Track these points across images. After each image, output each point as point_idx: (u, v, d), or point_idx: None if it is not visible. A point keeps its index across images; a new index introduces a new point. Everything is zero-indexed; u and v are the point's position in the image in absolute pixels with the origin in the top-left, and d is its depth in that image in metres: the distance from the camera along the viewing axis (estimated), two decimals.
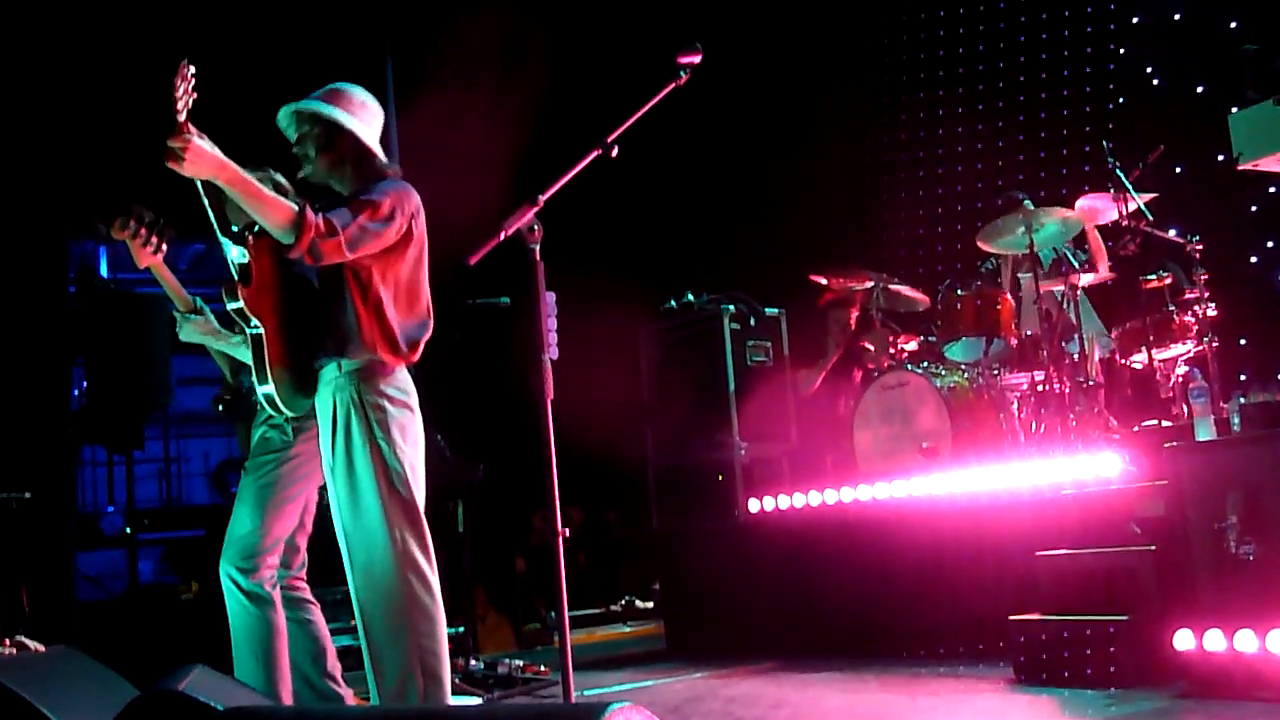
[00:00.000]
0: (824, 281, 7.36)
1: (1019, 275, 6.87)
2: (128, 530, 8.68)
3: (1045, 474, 5.61)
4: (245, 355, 3.91)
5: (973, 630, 5.64)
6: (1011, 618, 5.04)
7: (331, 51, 7.84)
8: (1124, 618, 4.66)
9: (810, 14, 9.17)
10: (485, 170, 7.36)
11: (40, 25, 8.04)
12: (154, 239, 4.07)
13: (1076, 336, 6.41)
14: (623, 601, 9.76)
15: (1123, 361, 6.59)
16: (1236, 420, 4.83)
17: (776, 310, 7.61)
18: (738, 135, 9.06)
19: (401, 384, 3.84)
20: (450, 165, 7.38)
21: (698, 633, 7.10)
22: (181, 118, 3.34)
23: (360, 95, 3.95)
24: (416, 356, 3.86)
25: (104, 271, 10.10)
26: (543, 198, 3.39)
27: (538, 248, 3.38)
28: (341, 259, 3.67)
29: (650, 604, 9.48)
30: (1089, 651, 4.68)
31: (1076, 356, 6.47)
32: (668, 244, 9.04)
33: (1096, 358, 6.48)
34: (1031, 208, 6.43)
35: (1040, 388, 6.41)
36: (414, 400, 3.85)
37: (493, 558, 8.88)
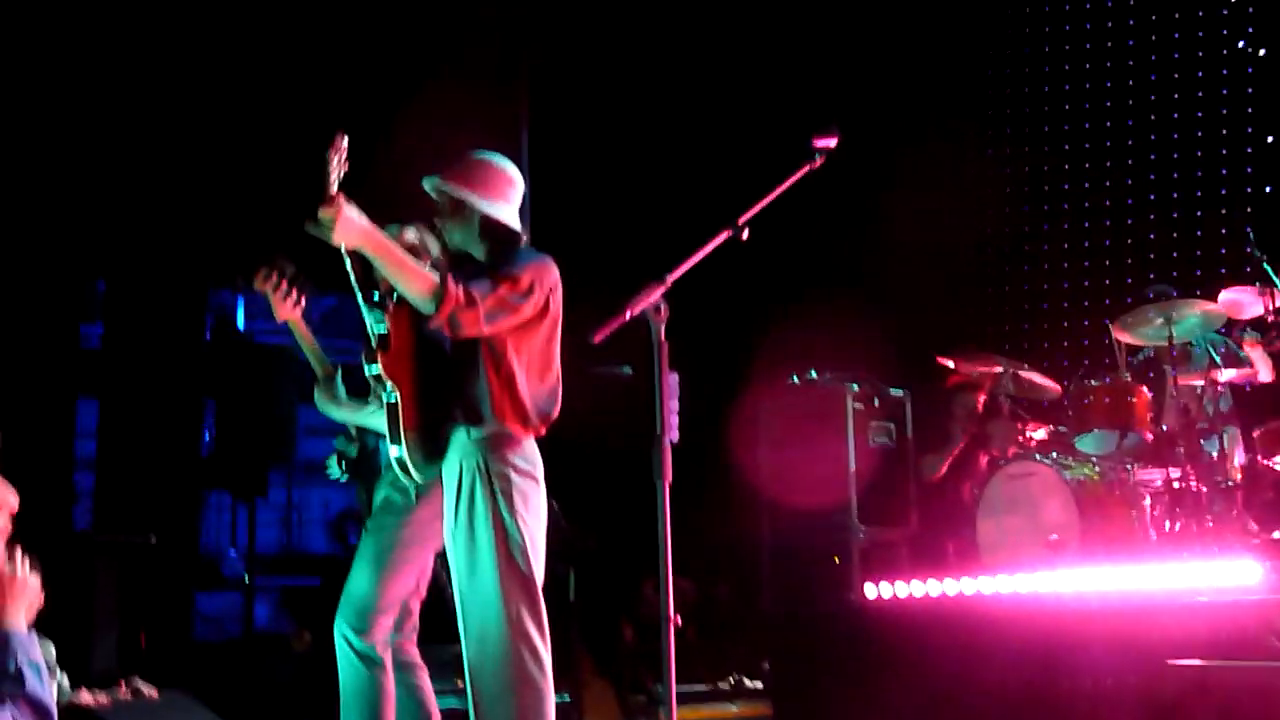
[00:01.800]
0: (951, 365, 7.21)
1: (1163, 367, 6.66)
2: (246, 575, 8.84)
3: (1180, 577, 5.38)
4: (376, 423, 3.95)
5: None
6: None
7: (472, 116, 8.00)
8: None
9: (943, 89, 9.11)
10: (614, 241, 7.42)
11: (190, 77, 8.34)
12: (294, 292, 4.16)
13: (1216, 435, 6.18)
14: (731, 679, 9.59)
15: (1265, 463, 6.32)
16: None
17: (901, 391, 7.47)
18: (866, 211, 8.98)
19: (529, 455, 3.85)
20: (580, 234, 7.44)
21: (808, 718, 6.93)
22: (334, 189, 3.41)
23: (494, 164, 4.00)
24: (545, 429, 3.87)
25: (240, 323, 10.38)
26: (671, 277, 3.37)
27: (663, 327, 3.36)
28: (479, 333, 3.71)
29: (759, 684, 9.29)
30: None
31: (1215, 455, 6.23)
32: (794, 321, 8.96)
33: (1237, 460, 6.23)
34: (1174, 298, 6.25)
35: (1175, 485, 6.18)
36: (540, 472, 3.86)
37: (601, 626, 8.82)
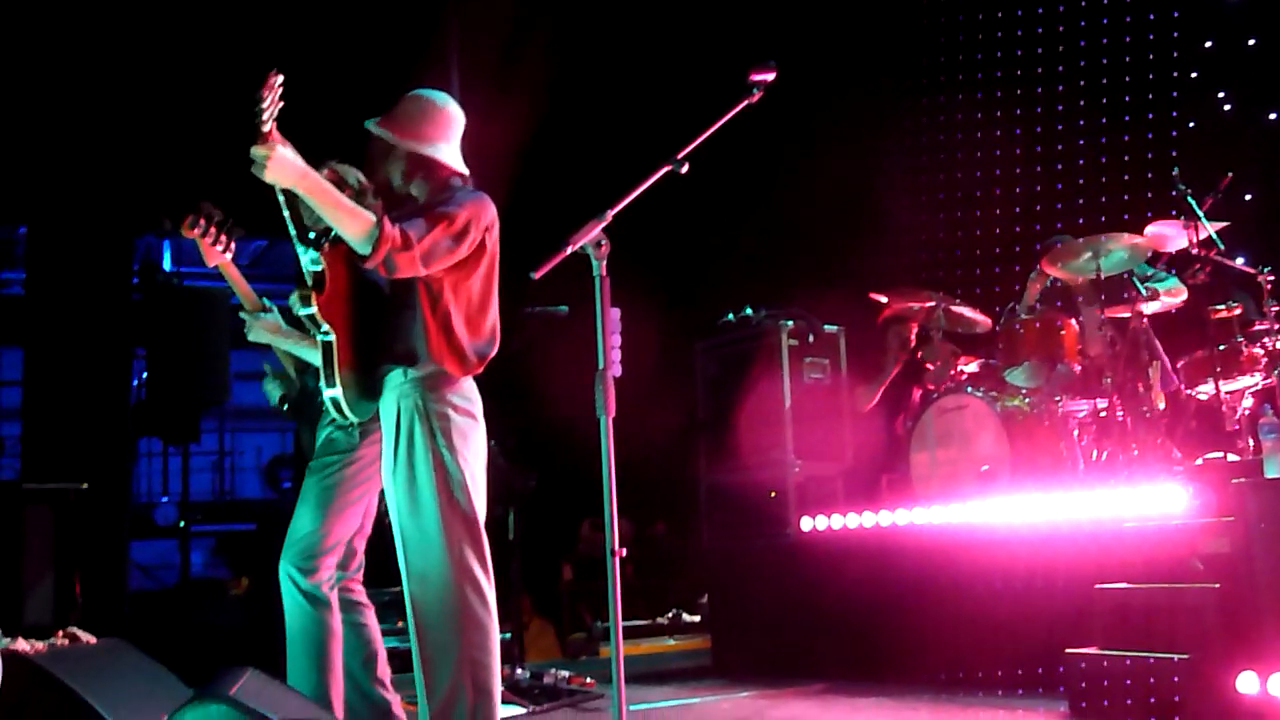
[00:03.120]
0: (884, 299, 7.28)
1: (1084, 301, 6.76)
2: (181, 523, 8.76)
3: (1107, 504, 5.51)
4: (312, 356, 3.92)
5: (1028, 661, 5.55)
6: (1069, 650, 4.95)
7: (402, 53, 7.89)
8: (1185, 656, 4.55)
9: (875, 36, 9.13)
10: (552, 179, 7.37)
11: (112, 21, 8.14)
12: (223, 238, 4.11)
13: (1141, 366, 6.30)
14: (669, 614, 9.72)
15: (1188, 392, 6.46)
16: None
17: (835, 327, 7.54)
18: (801, 150, 9.00)
19: (467, 393, 3.84)
20: (517, 172, 7.38)
21: (745, 650, 7.04)
22: (267, 127, 3.35)
23: (432, 104, 3.95)
24: (483, 368, 3.86)
25: (167, 266, 10.22)
26: (610, 213, 3.37)
27: (604, 264, 3.36)
28: (416, 273, 3.68)
29: (697, 618, 9.43)
30: (1149, 688, 4.58)
31: (1141, 386, 6.36)
32: (727, 258, 8.99)
33: (1160, 388, 6.36)
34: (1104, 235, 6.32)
35: (1103, 415, 6.30)
36: (478, 410, 3.85)
37: (541, 565, 8.87)
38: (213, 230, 4.08)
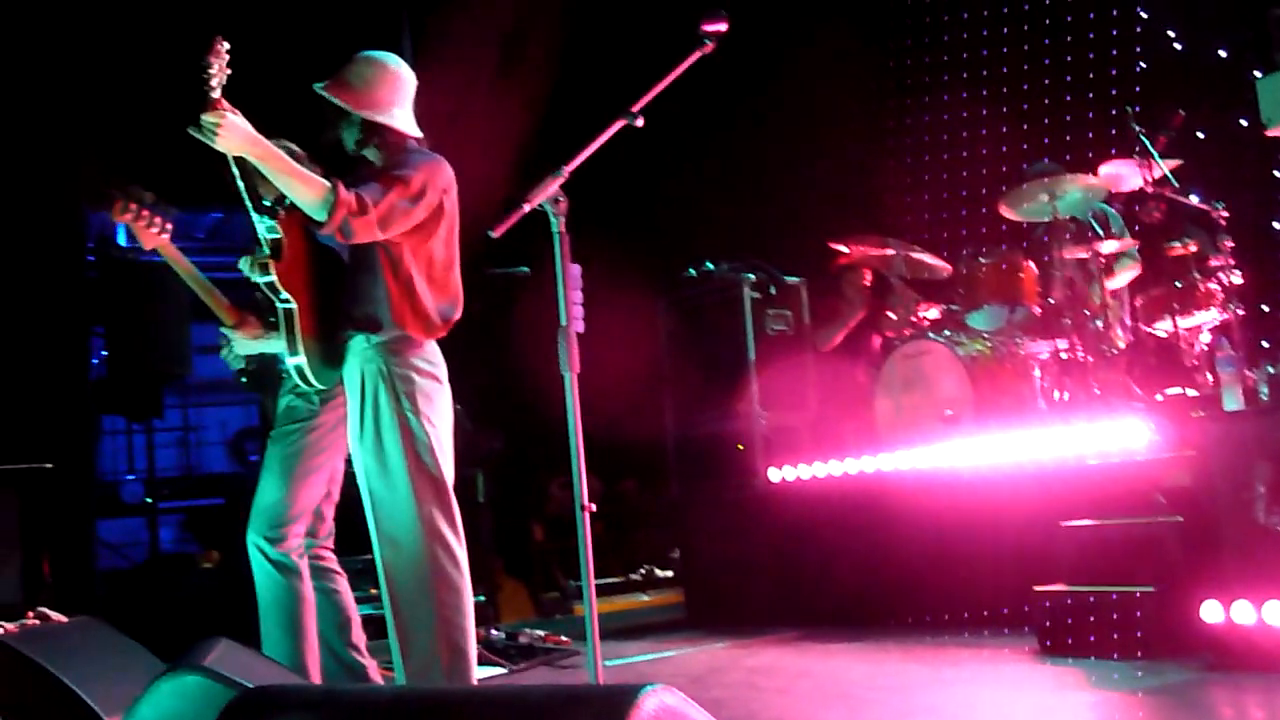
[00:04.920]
0: (844, 249, 7.30)
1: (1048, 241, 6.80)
2: (148, 499, 8.71)
3: (1070, 443, 5.57)
4: (279, 347, 3.89)
5: (996, 600, 5.62)
6: (1036, 588, 5.01)
7: (351, 19, 7.80)
8: (1150, 589, 4.63)
9: None
10: (508, 139, 7.32)
11: None
12: (157, 219, 4.04)
13: (1100, 305, 6.35)
14: (642, 570, 9.76)
15: (1147, 329, 6.53)
16: (1265, 390, 4.79)
17: (797, 279, 7.55)
18: (759, 102, 8.98)
19: (430, 356, 3.84)
20: (472, 133, 7.33)
21: (718, 602, 7.09)
22: (215, 94, 3.33)
23: (384, 66, 3.92)
24: (446, 331, 3.85)
25: (122, 240, 10.10)
26: (567, 169, 3.36)
27: (563, 220, 3.35)
28: (373, 238, 3.66)
29: (669, 573, 9.48)
30: (1115, 622, 4.66)
31: (1100, 324, 6.41)
32: (688, 213, 8.97)
33: (1121, 328, 6.42)
34: (1057, 175, 6.35)
35: (1063, 355, 6.36)
36: (443, 373, 3.86)
37: (511, 526, 8.88)
38: (145, 213, 4.01)
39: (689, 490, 7.51)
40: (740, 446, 7.18)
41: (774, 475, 6.91)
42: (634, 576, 9.72)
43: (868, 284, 7.46)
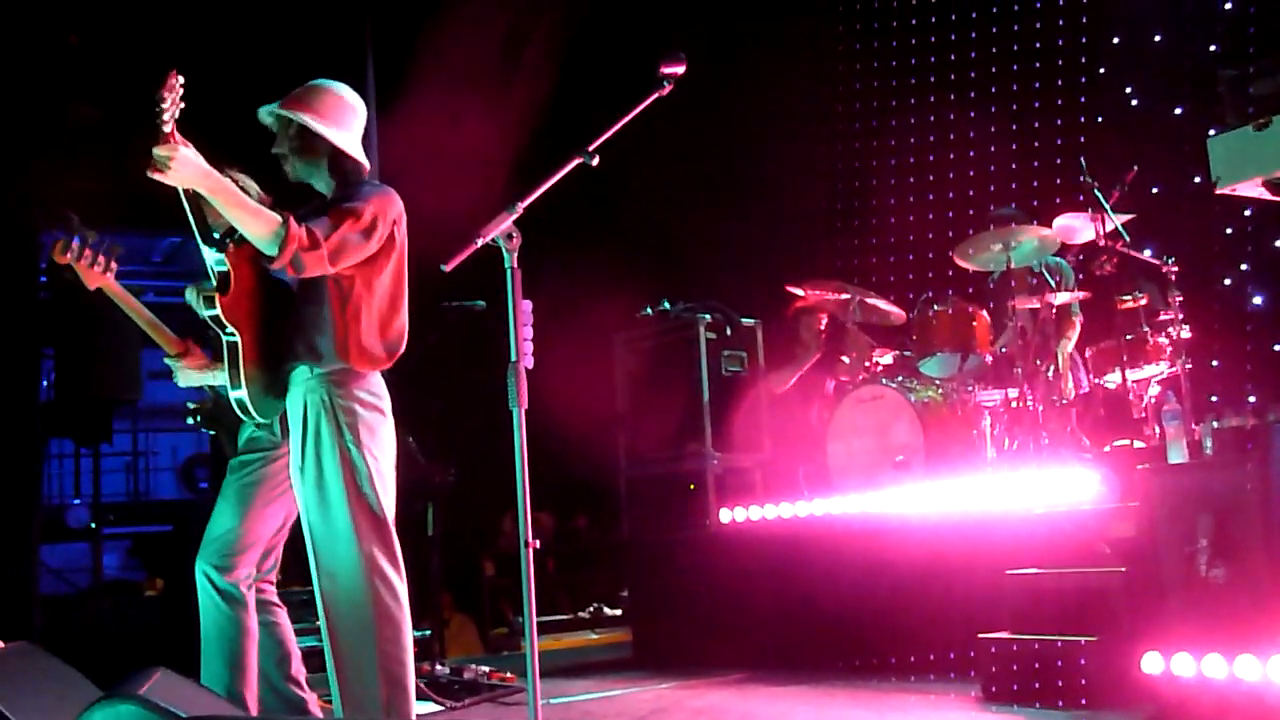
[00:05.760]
0: (800, 292, 7.35)
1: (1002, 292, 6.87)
2: (93, 525, 8.58)
3: (1018, 493, 5.61)
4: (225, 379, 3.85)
5: (941, 647, 5.63)
6: (980, 635, 5.03)
7: (313, 48, 7.79)
8: (1094, 638, 4.65)
9: (793, 24, 9.18)
10: (464, 173, 7.31)
11: (15, 8, 7.94)
12: (100, 259, 4.00)
13: (1051, 356, 6.42)
14: (591, 608, 9.73)
15: (1097, 381, 6.60)
16: (1209, 444, 4.84)
17: (753, 320, 7.59)
18: (717, 144, 9.04)
19: (375, 389, 3.82)
20: (429, 167, 7.33)
21: (665, 642, 7.07)
22: (168, 127, 3.31)
23: (338, 93, 3.92)
24: (392, 363, 3.84)
25: None
26: (521, 205, 3.37)
27: (515, 255, 3.36)
28: (324, 271, 3.66)
29: (618, 612, 9.45)
30: (1059, 670, 4.68)
31: (1051, 375, 6.48)
32: (645, 251, 9.00)
33: (1071, 379, 6.49)
34: (1015, 225, 6.43)
35: (1014, 404, 6.41)
36: (386, 404, 3.84)
37: (461, 561, 8.83)
38: (87, 253, 3.97)
39: (639, 529, 7.49)
40: (692, 486, 7.18)
41: (725, 516, 6.91)
42: (582, 614, 9.69)
43: (823, 328, 7.53)
